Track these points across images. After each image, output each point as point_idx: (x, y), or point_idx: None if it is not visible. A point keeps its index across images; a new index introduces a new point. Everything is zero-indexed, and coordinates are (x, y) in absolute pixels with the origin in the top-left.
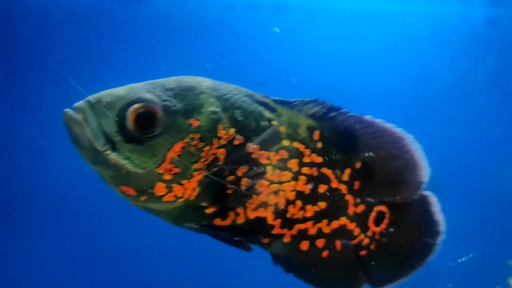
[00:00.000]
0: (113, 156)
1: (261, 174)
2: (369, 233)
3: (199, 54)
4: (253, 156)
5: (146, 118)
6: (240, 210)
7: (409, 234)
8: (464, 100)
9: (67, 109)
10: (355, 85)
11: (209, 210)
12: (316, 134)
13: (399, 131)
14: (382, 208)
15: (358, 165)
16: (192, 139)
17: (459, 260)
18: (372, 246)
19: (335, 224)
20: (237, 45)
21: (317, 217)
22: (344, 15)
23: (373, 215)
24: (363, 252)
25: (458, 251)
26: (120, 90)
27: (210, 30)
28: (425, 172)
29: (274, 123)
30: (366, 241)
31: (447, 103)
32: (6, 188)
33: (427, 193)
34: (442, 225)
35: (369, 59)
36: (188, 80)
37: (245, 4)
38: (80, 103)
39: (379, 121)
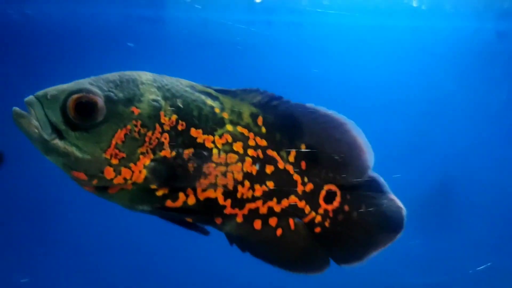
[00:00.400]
0: (61, 144)
1: (207, 157)
2: (321, 211)
3: (219, 70)
4: (198, 140)
5: (86, 106)
6: (189, 191)
7: (367, 211)
8: (477, 114)
9: (14, 107)
10: (368, 97)
11: (159, 192)
12: (260, 120)
13: (340, 117)
14: (332, 187)
15: (303, 147)
16: (135, 125)
17: (479, 268)
18: (326, 223)
19: (285, 202)
20: (256, 61)
21: (267, 196)
22: (360, 31)
23: (323, 193)
24: (317, 229)
25: (478, 259)
26: (65, 85)
27: (231, 48)
28: (367, 155)
29: (217, 110)
30: (318, 218)
31: (459, 116)
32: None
33: (375, 174)
34: (398, 202)
35: (380, 73)
36: (129, 73)
37: (264, 21)
38: (28, 98)
39: (321, 108)
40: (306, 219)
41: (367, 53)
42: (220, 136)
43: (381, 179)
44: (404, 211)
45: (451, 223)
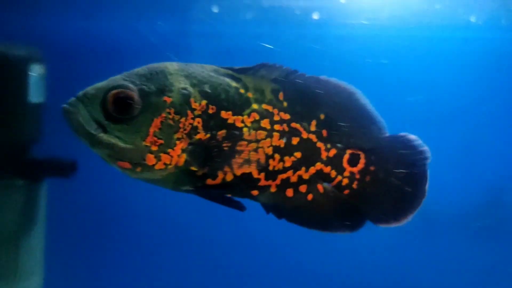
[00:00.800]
0: (105, 137)
1: (239, 136)
2: (346, 173)
3: None
4: (229, 121)
5: (124, 101)
6: (227, 169)
7: (395, 169)
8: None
9: (63, 105)
10: (425, 107)
11: (200, 173)
12: (281, 95)
13: (350, 86)
14: (354, 150)
15: (322, 116)
16: (168, 113)
17: None
18: (354, 185)
19: (312, 170)
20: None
21: (296, 166)
22: (418, 43)
23: (346, 157)
24: (346, 191)
25: None
26: (102, 83)
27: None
28: (379, 120)
29: (242, 91)
30: (345, 181)
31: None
32: None
33: (403, 134)
34: (426, 150)
35: (437, 85)
36: (157, 65)
37: (314, 36)
38: (71, 99)
39: (333, 79)
40: (334, 183)
41: (426, 64)
42: (248, 115)
43: (410, 135)
44: (427, 158)
45: (504, 234)
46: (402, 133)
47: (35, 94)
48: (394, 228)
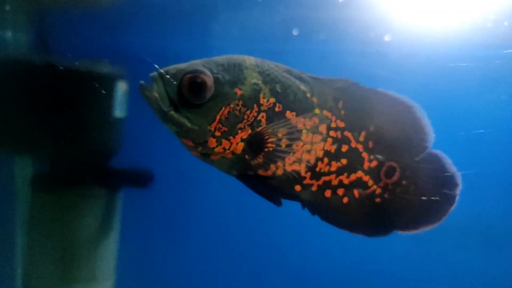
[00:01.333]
0: (175, 115)
1: (298, 136)
2: (381, 184)
3: None
4: (291, 121)
5: (198, 85)
6: (279, 164)
7: (424, 185)
8: None
9: (141, 81)
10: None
11: (254, 162)
12: (340, 104)
13: (408, 100)
14: (393, 163)
15: (372, 128)
16: (237, 104)
17: None
18: (386, 195)
19: (353, 176)
20: None
21: (339, 171)
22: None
23: (384, 169)
24: (377, 200)
25: None
26: (183, 64)
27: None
28: (427, 136)
29: (308, 95)
30: (379, 190)
31: None
32: None
33: (438, 151)
34: (457, 177)
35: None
36: (236, 57)
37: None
38: (153, 74)
39: (391, 92)
40: (369, 191)
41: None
42: (310, 119)
43: (443, 156)
44: (459, 186)
45: None
46: (439, 152)
47: (118, 109)
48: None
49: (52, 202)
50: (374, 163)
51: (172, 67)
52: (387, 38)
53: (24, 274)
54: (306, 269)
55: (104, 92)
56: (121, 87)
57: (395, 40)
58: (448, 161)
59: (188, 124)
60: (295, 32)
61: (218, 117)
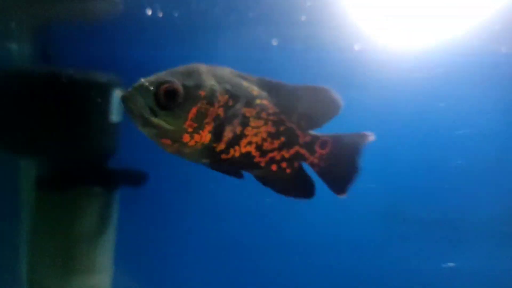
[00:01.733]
0: (155, 120)
1: (248, 123)
2: (317, 155)
3: None
4: (242, 112)
5: (172, 92)
6: (236, 148)
7: (348, 155)
8: None
9: (122, 94)
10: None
11: (218, 149)
12: (274, 93)
13: (327, 86)
14: (325, 137)
15: (301, 110)
16: (203, 104)
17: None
18: (321, 164)
19: (292, 151)
20: None
21: (281, 147)
22: None
23: (318, 142)
24: (316, 169)
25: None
26: (153, 77)
27: None
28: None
29: (250, 89)
30: (315, 160)
31: None
32: None
33: (367, 132)
34: (359, 160)
35: None
36: (192, 66)
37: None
38: (130, 89)
39: (312, 84)
40: (307, 162)
41: None
42: (254, 107)
43: (365, 133)
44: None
45: None
46: (365, 132)
47: (115, 114)
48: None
49: (55, 200)
50: (308, 138)
51: (144, 80)
52: (356, 47)
53: (28, 266)
54: (295, 265)
55: (100, 99)
56: (117, 94)
57: (368, 48)
58: (369, 133)
59: (166, 126)
60: (274, 42)
61: (190, 116)
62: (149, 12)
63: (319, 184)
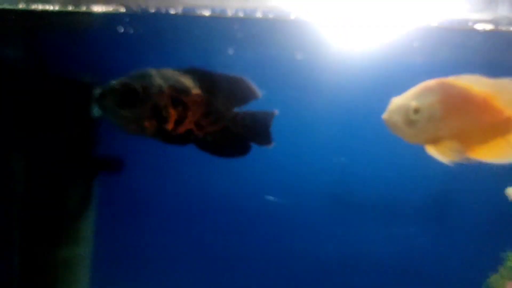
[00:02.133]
0: (121, 112)
1: (187, 109)
2: (240, 127)
3: None
4: (184, 101)
5: (132, 92)
6: (184, 125)
7: (260, 121)
8: None
9: (96, 94)
10: None
11: (169, 127)
12: (199, 81)
13: (240, 75)
14: (243, 113)
15: (223, 93)
16: (157, 98)
17: None
18: (240, 130)
19: (222, 125)
20: None
21: (212, 122)
22: None
23: (240, 116)
24: (238, 134)
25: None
26: (115, 81)
27: None
28: (255, 94)
29: (185, 83)
30: (240, 130)
31: None
32: None
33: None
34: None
35: None
36: (142, 70)
37: None
38: (100, 92)
39: (233, 74)
40: (232, 130)
41: None
42: (190, 96)
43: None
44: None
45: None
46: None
47: (96, 110)
48: None
49: (44, 183)
50: (231, 114)
51: (110, 83)
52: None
53: (21, 239)
54: (272, 255)
55: (83, 96)
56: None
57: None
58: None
59: (130, 116)
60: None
61: (147, 108)
62: (121, 30)
63: (270, 181)
